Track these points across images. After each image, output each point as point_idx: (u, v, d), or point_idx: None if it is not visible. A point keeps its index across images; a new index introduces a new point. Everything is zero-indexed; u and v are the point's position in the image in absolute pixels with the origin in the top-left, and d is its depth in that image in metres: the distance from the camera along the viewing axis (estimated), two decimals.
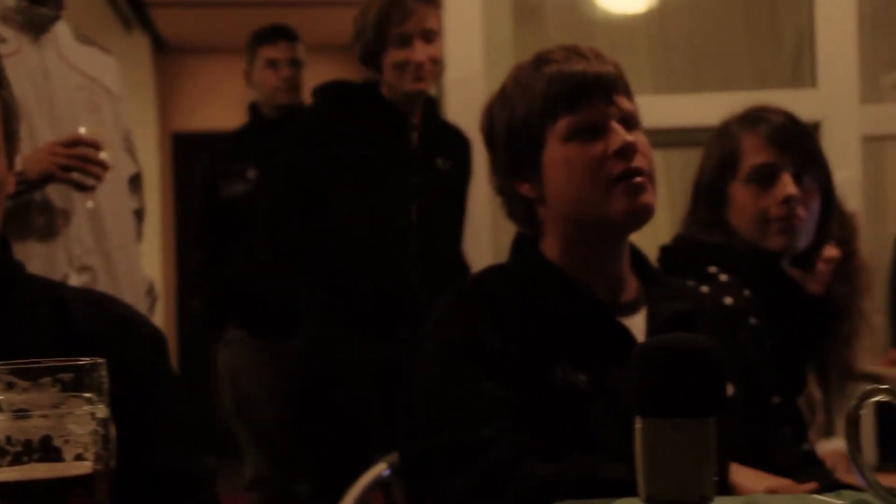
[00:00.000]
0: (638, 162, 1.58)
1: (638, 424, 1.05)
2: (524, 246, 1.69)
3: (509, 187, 1.68)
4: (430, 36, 2.99)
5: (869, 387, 1.05)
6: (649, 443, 1.04)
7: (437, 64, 3.03)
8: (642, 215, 1.60)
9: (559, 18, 3.81)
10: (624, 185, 1.57)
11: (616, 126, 1.59)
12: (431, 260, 3.03)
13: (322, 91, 3.19)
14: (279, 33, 4.01)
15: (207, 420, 4.43)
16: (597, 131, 1.59)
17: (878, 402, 1.04)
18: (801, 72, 3.64)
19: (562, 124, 1.60)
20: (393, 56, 2.97)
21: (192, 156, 4.79)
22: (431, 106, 3.15)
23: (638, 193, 1.58)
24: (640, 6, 3.86)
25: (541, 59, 1.64)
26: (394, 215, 3.04)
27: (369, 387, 2.99)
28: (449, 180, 3.13)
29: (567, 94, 1.59)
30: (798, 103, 3.37)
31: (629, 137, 1.58)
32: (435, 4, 3.05)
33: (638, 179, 1.57)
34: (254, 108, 4.03)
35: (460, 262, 3.16)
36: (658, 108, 3.41)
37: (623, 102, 1.61)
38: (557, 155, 1.60)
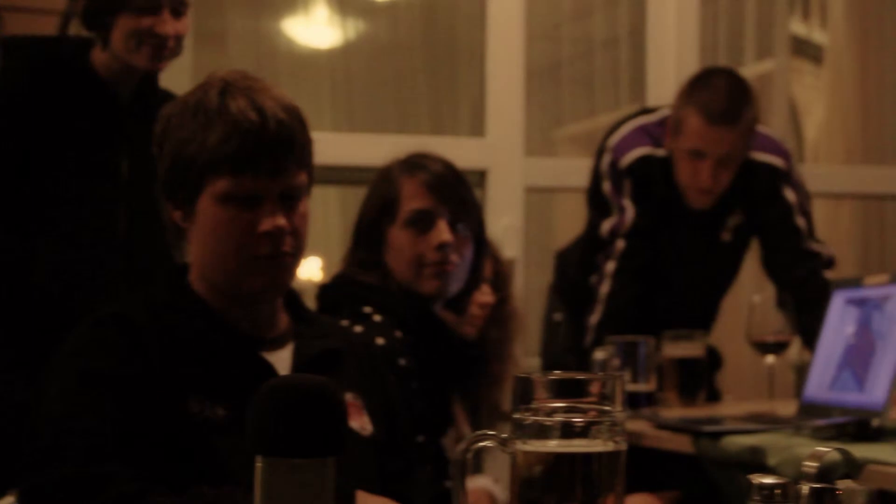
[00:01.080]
0: (286, 245, 1.59)
1: (258, 463, 1.05)
2: (171, 274, 1.67)
3: (164, 206, 1.66)
4: (181, 9, 2.50)
5: (478, 432, 1.10)
6: (267, 481, 1.05)
7: (180, 44, 2.52)
8: (277, 292, 1.64)
9: (241, 45, 3.80)
10: (266, 262, 1.59)
11: (273, 205, 1.58)
12: (142, 279, 2.56)
13: (13, 50, 2.63)
14: None
15: None
16: (255, 202, 1.58)
17: (486, 448, 1.10)
18: (476, 121, 3.80)
19: (221, 184, 1.57)
20: (131, 22, 2.44)
21: None
22: (151, 84, 2.63)
23: (277, 273, 1.61)
24: (324, 42, 3.91)
25: (227, 95, 1.59)
26: (97, 219, 2.59)
27: None
28: None
29: (234, 158, 1.56)
30: (468, 152, 3.54)
31: (281, 221, 1.58)
32: None
33: (282, 260, 1.60)
34: None
35: None
36: (337, 146, 3.47)
37: (291, 175, 1.60)
38: (210, 211, 1.59)
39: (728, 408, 2.67)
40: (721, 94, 2.84)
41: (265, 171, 1.57)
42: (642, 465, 2.42)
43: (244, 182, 1.57)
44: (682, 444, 2.19)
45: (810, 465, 0.97)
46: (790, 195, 2.97)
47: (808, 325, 2.60)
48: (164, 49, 2.49)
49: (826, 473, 1.01)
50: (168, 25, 2.46)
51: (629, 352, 2.60)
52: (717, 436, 2.08)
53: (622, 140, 2.99)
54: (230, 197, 1.57)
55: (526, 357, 3.51)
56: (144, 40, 2.47)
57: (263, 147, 1.57)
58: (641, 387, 2.59)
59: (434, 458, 2.20)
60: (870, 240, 4.19)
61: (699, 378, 2.81)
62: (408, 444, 2.00)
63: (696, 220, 2.94)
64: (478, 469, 3.06)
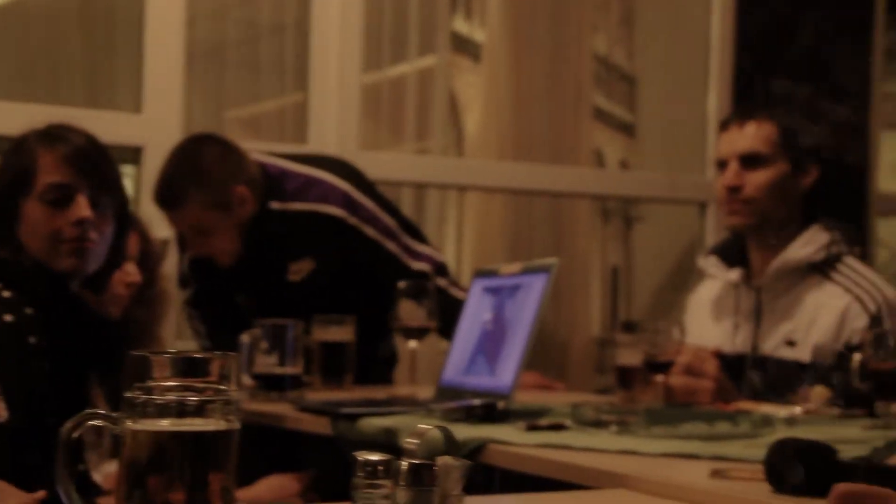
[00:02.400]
0: None
1: None
2: None
3: None
4: None
5: (87, 411, 1.08)
6: None
7: None
8: None
9: None
10: None
11: None
12: None
13: None
14: None
15: None
16: None
17: (96, 427, 1.07)
18: (134, 97, 3.69)
19: None
20: None
21: None
22: None
23: None
24: None
25: None
26: None
27: None
28: None
29: None
30: (125, 127, 3.44)
31: None
32: None
33: None
34: None
35: None
36: None
37: None
38: None
39: (370, 392, 2.73)
40: (162, 177, 2.90)
41: None
42: (284, 447, 2.44)
43: None
44: (321, 426, 2.21)
45: (411, 442, 1.00)
46: (368, 231, 3.01)
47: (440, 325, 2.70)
48: None
49: (440, 452, 1.05)
50: None
51: (277, 334, 2.61)
52: (354, 417, 2.12)
53: None
54: None
55: (180, 339, 3.45)
56: None
57: None
58: (288, 369, 2.60)
59: None
60: (519, 233, 4.38)
61: (345, 361, 2.86)
62: (41, 427, 1.93)
63: (255, 264, 3.00)
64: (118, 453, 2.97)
